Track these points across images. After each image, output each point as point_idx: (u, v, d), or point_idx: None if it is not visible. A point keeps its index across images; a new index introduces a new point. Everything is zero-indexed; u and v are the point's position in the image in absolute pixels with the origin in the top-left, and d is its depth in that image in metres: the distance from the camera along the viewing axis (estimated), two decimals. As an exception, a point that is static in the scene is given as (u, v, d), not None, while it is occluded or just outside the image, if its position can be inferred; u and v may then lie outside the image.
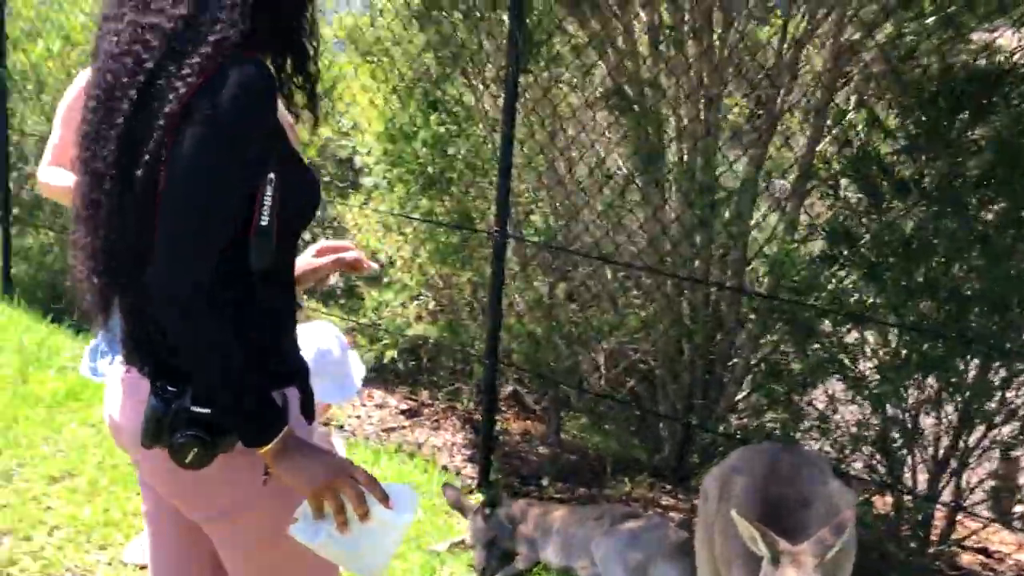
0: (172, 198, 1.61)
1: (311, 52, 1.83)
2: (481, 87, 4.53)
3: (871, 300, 3.97)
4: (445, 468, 4.70)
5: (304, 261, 2.19)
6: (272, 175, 1.68)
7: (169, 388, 1.71)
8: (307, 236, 6.24)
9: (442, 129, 4.71)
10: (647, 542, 3.63)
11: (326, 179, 6.03)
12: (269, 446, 1.68)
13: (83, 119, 1.73)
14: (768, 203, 4.45)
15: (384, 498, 1.73)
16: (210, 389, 1.67)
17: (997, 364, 3.81)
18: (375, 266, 2.31)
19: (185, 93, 1.59)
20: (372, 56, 4.90)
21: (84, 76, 3.05)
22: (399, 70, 4.76)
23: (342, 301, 5.89)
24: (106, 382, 1.97)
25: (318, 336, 2.74)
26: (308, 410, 1.90)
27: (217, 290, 1.63)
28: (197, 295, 1.61)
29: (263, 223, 1.68)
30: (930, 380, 3.88)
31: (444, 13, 4.37)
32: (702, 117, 4.19)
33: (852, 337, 4.14)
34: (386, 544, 1.77)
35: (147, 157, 1.62)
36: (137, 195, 1.64)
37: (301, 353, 1.95)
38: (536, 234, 4.71)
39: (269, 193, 1.68)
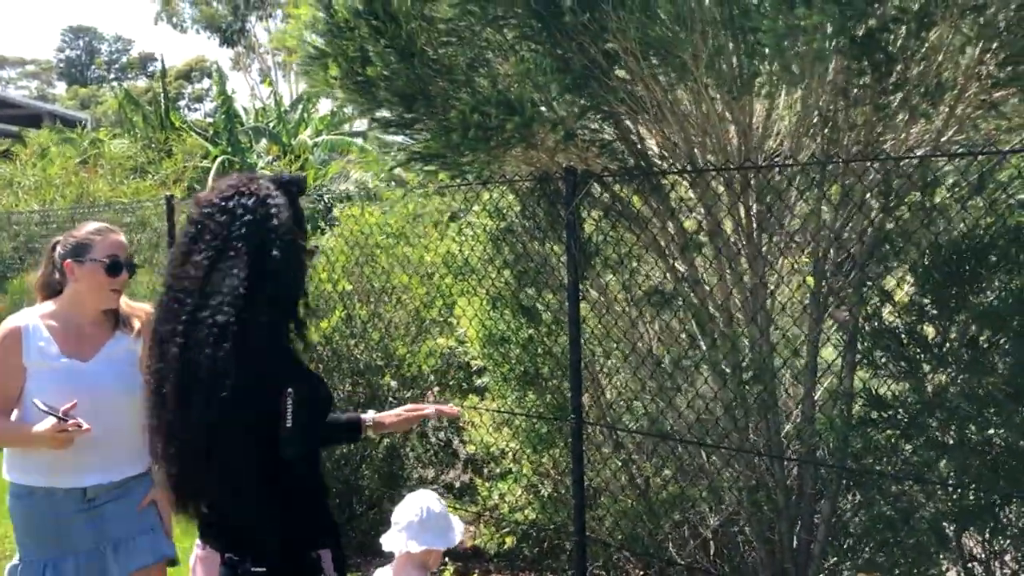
0: (219, 426, 2.31)
1: (302, 311, 2.51)
2: (551, 294, 5.20)
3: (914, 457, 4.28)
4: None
5: (394, 414, 3.07)
6: (290, 389, 2.34)
7: (234, 558, 2.36)
8: (443, 437, 6.94)
9: (529, 332, 5.38)
10: None
11: (451, 383, 6.75)
12: None
13: (149, 359, 2.48)
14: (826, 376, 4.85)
15: None
16: (263, 553, 2.32)
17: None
18: (456, 410, 3.27)
19: (212, 344, 2.30)
20: (463, 275, 5.69)
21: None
22: (485, 285, 5.51)
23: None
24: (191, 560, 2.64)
25: (421, 499, 3.49)
26: (340, 566, 2.52)
27: (264, 482, 2.29)
28: (247, 492, 2.30)
29: (288, 424, 2.34)
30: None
31: (516, 236, 5.12)
32: (748, 304, 4.68)
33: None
34: None
35: (196, 396, 2.33)
36: (194, 422, 2.34)
37: (330, 520, 2.59)
38: (630, 421, 5.23)
39: (289, 403, 2.34)
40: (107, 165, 13.05)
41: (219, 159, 20.64)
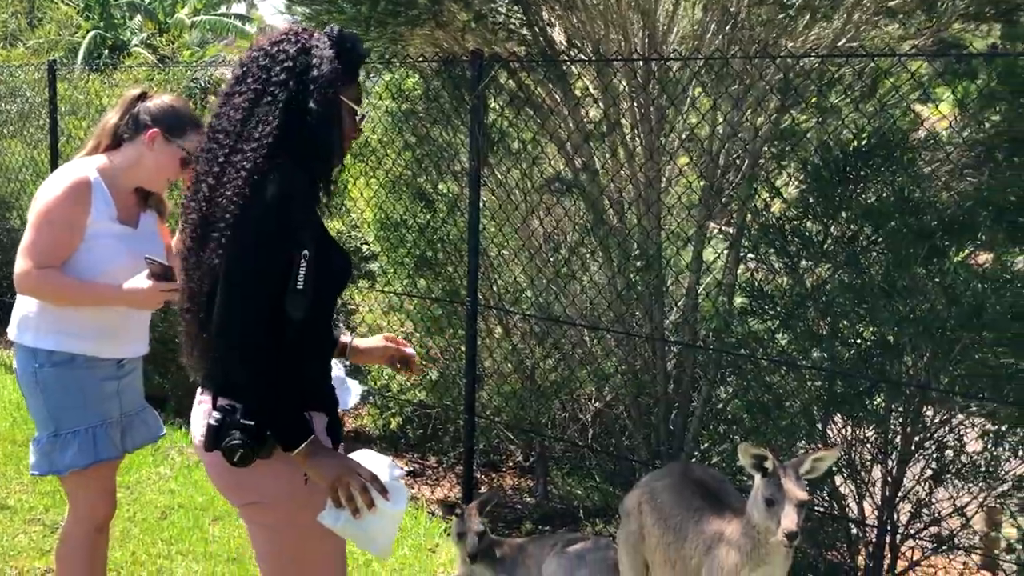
0: (226, 268, 2.26)
1: (335, 162, 2.43)
2: (452, 179, 5.25)
3: (790, 347, 4.54)
4: (433, 514, 5.29)
5: (373, 342, 2.88)
6: (306, 251, 2.30)
7: (227, 406, 2.34)
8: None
9: (427, 216, 5.43)
10: (592, 561, 4.17)
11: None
12: (298, 449, 2.31)
13: (184, 205, 2.43)
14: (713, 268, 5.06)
15: (383, 491, 2.34)
16: (255, 407, 2.31)
17: (900, 402, 4.35)
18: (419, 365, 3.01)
19: (240, 187, 2.25)
20: (363, 156, 5.67)
21: (68, 175, 3.21)
22: (385, 168, 5.52)
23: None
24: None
25: None
26: (334, 432, 2.54)
27: (263, 334, 2.27)
28: (243, 339, 2.26)
29: (298, 287, 2.29)
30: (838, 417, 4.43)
31: (419, 118, 5.13)
32: (643, 196, 4.82)
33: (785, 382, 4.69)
34: (389, 528, 2.40)
35: (215, 234, 2.28)
36: (207, 261, 2.30)
37: (327, 387, 2.59)
38: (524, 306, 5.36)
39: (303, 265, 2.29)
40: (-27, 30, 12.33)
41: (91, 33, 19.71)
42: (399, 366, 2.94)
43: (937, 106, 4.45)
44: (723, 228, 5.13)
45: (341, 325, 2.71)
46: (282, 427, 2.32)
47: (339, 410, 3.43)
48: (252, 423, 2.29)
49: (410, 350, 2.94)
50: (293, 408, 2.34)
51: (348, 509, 2.31)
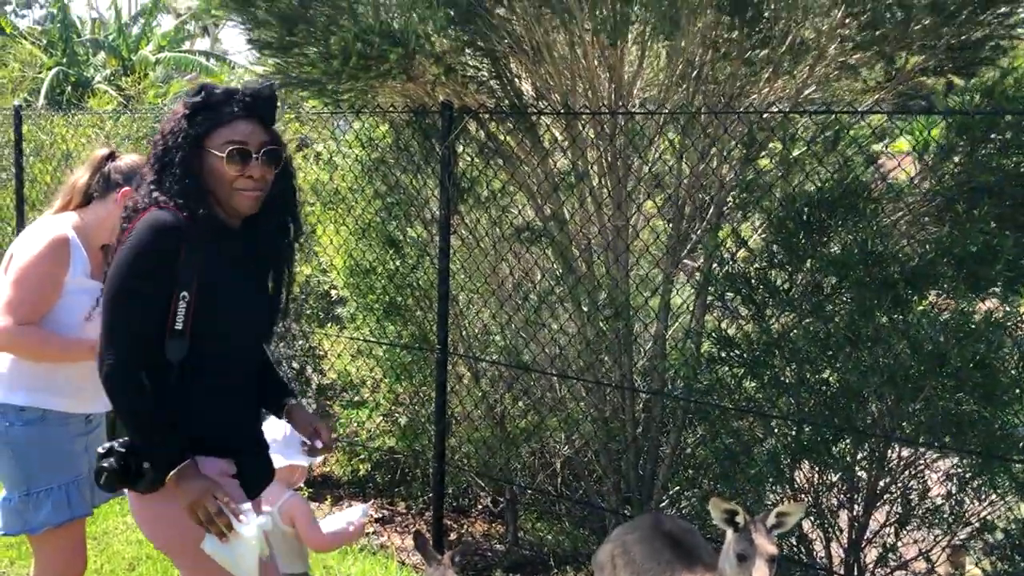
0: (103, 305, 2.44)
1: (217, 208, 2.51)
2: (422, 227, 5.29)
3: (757, 394, 4.59)
4: (403, 563, 5.27)
5: (308, 419, 2.85)
6: (185, 293, 2.38)
7: (116, 440, 2.48)
8: (296, 365, 6.92)
9: (397, 263, 5.45)
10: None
11: (308, 312, 6.75)
12: (169, 476, 2.41)
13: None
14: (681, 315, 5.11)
15: (236, 513, 2.42)
16: (129, 435, 2.46)
17: (866, 448, 4.41)
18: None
19: (124, 231, 2.44)
20: (332, 205, 5.69)
21: (46, 233, 3.28)
22: (355, 215, 5.54)
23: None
24: None
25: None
26: (247, 481, 2.60)
27: (128, 372, 2.39)
28: (116, 373, 2.39)
29: (177, 327, 2.41)
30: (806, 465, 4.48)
31: (389, 167, 5.16)
32: (611, 245, 4.87)
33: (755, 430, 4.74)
34: (247, 552, 2.44)
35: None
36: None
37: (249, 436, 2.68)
38: (493, 353, 5.39)
39: (182, 306, 2.40)
40: (-65, 69, 12.23)
41: (54, 71, 19.63)
42: (307, 444, 2.89)
43: (899, 164, 4.54)
44: (691, 274, 5.18)
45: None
46: (152, 455, 2.43)
47: (307, 463, 3.46)
48: (123, 450, 2.43)
49: (320, 447, 2.84)
50: (165, 440, 2.43)
51: (213, 532, 2.40)
